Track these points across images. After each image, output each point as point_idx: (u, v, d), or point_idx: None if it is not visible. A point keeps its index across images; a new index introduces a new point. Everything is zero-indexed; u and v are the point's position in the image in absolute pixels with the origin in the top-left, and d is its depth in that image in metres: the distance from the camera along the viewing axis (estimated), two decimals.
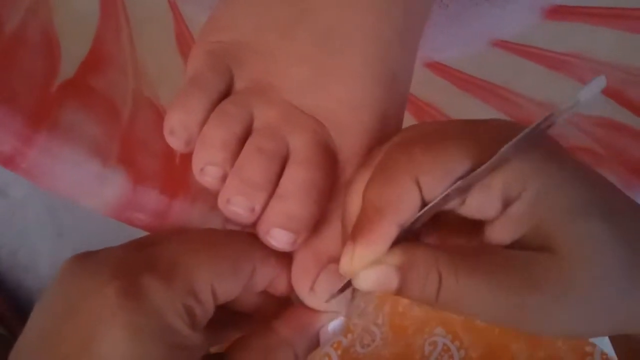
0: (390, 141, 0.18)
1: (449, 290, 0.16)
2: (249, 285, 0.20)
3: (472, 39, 0.31)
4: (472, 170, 0.16)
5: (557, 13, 0.31)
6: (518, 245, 0.16)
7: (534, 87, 0.33)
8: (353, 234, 0.16)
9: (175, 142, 0.20)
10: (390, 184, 0.16)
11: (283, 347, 0.19)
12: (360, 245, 0.16)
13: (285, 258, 0.21)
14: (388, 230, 0.16)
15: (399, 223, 0.16)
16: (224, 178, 0.19)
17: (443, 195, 0.16)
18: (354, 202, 0.18)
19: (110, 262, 0.18)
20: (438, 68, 0.32)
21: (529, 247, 0.16)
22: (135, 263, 0.18)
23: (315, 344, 0.20)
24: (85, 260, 0.18)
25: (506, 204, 0.16)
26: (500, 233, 0.16)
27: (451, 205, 0.16)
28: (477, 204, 0.16)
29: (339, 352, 0.37)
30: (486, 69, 0.32)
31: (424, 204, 0.16)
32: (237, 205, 0.19)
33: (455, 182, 0.16)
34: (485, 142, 0.16)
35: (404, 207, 0.16)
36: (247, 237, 0.20)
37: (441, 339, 0.37)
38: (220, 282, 0.18)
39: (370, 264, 0.16)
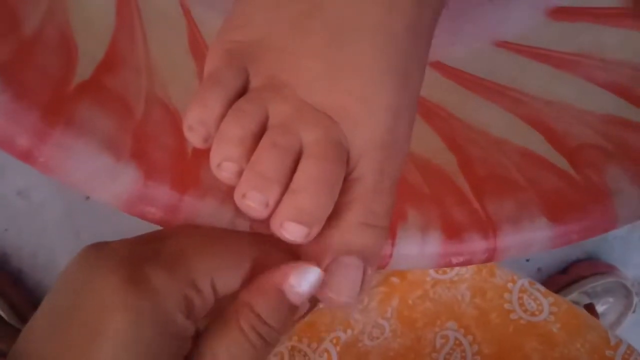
0: None
1: None
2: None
3: (475, 38, 0.31)
4: None
5: (560, 14, 0.31)
6: None
7: (542, 87, 0.33)
8: None
9: (194, 138, 0.20)
10: None
11: (242, 309, 0.19)
12: None
13: (288, 255, 0.21)
14: None
15: None
16: (240, 173, 0.20)
17: None
18: None
19: (118, 253, 0.19)
20: (443, 68, 0.32)
21: None
22: (141, 254, 0.19)
23: (283, 302, 0.20)
24: (96, 250, 0.19)
25: None
26: None
27: None
28: None
29: (338, 348, 0.37)
30: (491, 69, 0.32)
31: None
32: (252, 200, 0.19)
33: None
34: None
35: None
36: (248, 235, 0.21)
37: (453, 333, 0.37)
38: (219, 276, 0.19)
39: None
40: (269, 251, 0.21)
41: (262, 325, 0.19)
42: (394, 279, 0.40)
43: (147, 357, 0.17)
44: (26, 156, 0.20)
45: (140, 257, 0.19)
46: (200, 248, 0.20)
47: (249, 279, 0.20)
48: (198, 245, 0.20)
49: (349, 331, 0.38)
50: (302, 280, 0.20)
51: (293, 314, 0.20)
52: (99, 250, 0.19)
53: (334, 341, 0.38)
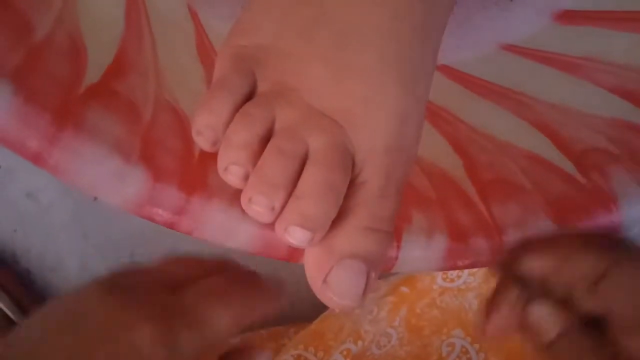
0: None
1: None
2: None
3: (481, 42, 0.31)
4: None
5: (566, 17, 0.31)
6: None
7: (548, 90, 0.33)
8: None
9: (203, 143, 0.21)
10: None
11: None
12: None
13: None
14: None
15: None
16: (246, 177, 0.20)
17: None
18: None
19: (143, 302, 0.20)
20: (449, 72, 0.33)
21: None
22: (167, 308, 0.21)
23: None
24: (114, 292, 0.21)
25: None
26: None
27: None
28: None
29: None
30: (497, 73, 0.32)
31: None
32: (258, 204, 0.20)
33: None
34: None
35: None
36: (257, 287, 0.23)
37: (460, 340, 0.37)
38: (228, 339, 0.22)
39: None
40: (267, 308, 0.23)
41: None
42: (404, 289, 0.40)
43: None
44: (36, 158, 0.21)
45: (165, 311, 0.20)
46: (218, 310, 0.21)
47: None
48: (217, 306, 0.22)
49: (360, 343, 0.38)
50: None
51: None
52: (116, 292, 0.21)
53: (344, 353, 0.38)
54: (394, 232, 0.22)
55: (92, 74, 0.24)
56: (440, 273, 0.40)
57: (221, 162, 0.20)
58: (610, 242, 0.24)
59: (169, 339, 0.19)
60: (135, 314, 0.19)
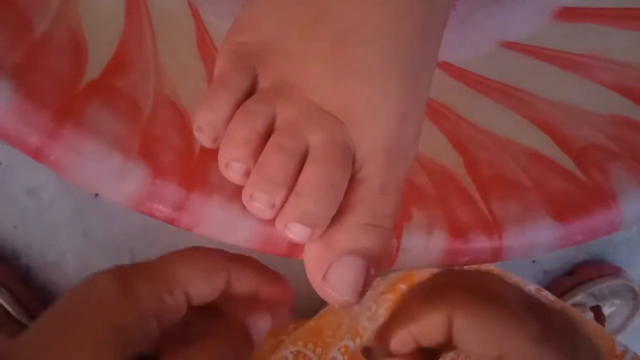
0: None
1: None
2: (230, 292, 0.23)
3: (481, 40, 0.31)
4: None
5: (566, 15, 0.31)
6: None
7: (548, 87, 0.33)
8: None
9: (204, 139, 0.21)
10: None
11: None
12: None
13: (266, 274, 0.24)
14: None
15: None
16: (247, 173, 0.20)
17: None
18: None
19: (111, 272, 0.22)
20: (450, 69, 0.33)
21: None
22: (128, 272, 0.22)
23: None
24: (96, 272, 0.22)
25: None
26: None
27: None
28: None
29: (346, 357, 0.37)
30: (498, 70, 0.32)
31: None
32: (259, 201, 0.20)
33: None
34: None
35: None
36: (225, 253, 0.23)
37: None
38: (193, 286, 0.22)
39: None
40: (245, 266, 0.23)
41: None
42: (402, 286, 0.40)
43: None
44: (37, 154, 0.21)
45: (127, 274, 0.21)
46: (178, 263, 0.22)
47: (230, 291, 0.23)
48: (177, 261, 0.22)
49: (358, 340, 0.38)
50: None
51: None
52: (98, 272, 0.22)
53: (342, 350, 0.38)
54: (394, 229, 0.22)
55: (93, 70, 0.24)
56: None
57: (222, 159, 0.20)
58: (452, 287, 0.24)
59: (128, 289, 0.20)
60: (105, 280, 0.21)
